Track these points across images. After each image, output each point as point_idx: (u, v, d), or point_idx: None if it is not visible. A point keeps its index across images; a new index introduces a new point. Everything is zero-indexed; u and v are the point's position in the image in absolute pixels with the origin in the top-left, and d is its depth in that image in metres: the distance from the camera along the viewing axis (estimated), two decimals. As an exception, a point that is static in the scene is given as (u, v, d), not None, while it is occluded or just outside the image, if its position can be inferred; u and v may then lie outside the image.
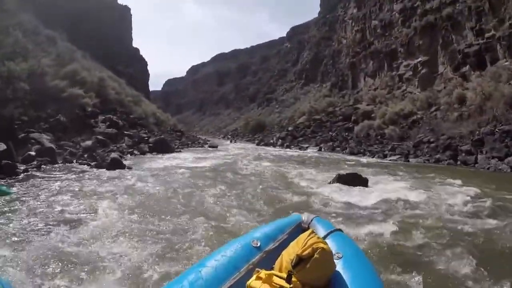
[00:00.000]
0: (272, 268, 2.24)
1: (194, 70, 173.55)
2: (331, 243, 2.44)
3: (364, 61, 46.94)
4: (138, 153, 16.70)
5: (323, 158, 20.62)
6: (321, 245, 2.10)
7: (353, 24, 53.00)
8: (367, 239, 5.19)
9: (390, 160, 19.67)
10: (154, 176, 11.21)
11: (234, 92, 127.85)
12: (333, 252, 2.29)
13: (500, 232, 5.64)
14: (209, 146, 29.41)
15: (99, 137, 15.59)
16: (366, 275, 2.29)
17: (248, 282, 2.07)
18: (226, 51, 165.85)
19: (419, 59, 35.51)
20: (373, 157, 21.60)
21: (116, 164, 12.04)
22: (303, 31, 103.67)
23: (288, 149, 30.42)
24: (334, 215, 6.58)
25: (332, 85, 55.41)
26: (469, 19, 28.65)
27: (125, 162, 13.00)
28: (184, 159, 15.61)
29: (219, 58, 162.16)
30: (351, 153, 23.62)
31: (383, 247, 4.88)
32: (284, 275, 2.06)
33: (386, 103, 34.50)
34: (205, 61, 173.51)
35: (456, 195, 8.62)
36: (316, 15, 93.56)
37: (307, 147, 29.59)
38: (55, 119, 16.82)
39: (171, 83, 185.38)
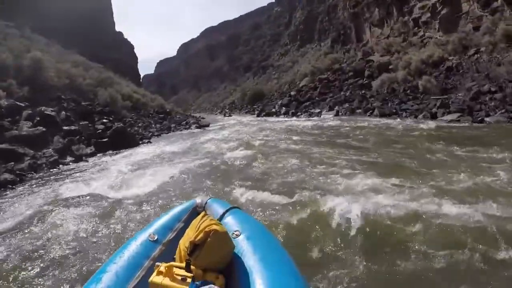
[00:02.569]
0: (173, 259, 2.11)
1: (184, 47, 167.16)
2: (228, 223, 2.38)
3: (368, 9, 40.30)
4: (69, 159, 10.78)
5: (351, 128, 14.67)
6: (214, 227, 1.99)
7: (350, -29, 46.09)
8: None
9: (448, 120, 13.65)
10: None
11: (228, 64, 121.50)
12: (232, 230, 2.24)
13: None
14: (197, 127, 23.26)
15: (3, 146, 9.56)
16: (267, 248, 2.15)
17: (150, 279, 1.91)
18: (215, 24, 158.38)
19: (437, -3, 29.29)
20: (415, 117, 15.72)
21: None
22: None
23: (296, 118, 24.48)
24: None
25: (333, 40, 48.85)
26: None
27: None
28: (119, 173, 8.52)
29: (208, 32, 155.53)
30: (382, 115, 17.61)
31: None
32: (183, 264, 1.94)
33: (404, 52, 28.27)
34: (195, 37, 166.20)
35: None
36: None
37: (319, 113, 23.52)
38: None
39: (163, 64, 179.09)
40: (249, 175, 7.03)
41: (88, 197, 6.12)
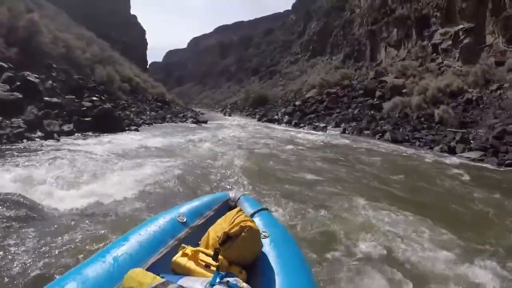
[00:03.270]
0: (198, 245, 2.16)
1: (195, 42, 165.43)
2: (258, 222, 2.39)
3: (386, 29, 38.84)
4: (38, 135, 9.10)
5: (364, 150, 13.10)
6: (249, 223, 2.04)
7: (370, -12, 44.59)
8: None
9: (471, 159, 12.00)
10: None
11: (236, 64, 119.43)
12: (261, 230, 2.24)
13: None
14: (194, 122, 21.61)
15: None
16: (291, 254, 2.23)
17: (173, 258, 1.97)
18: (229, 23, 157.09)
19: (461, 26, 27.75)
20: (430, 148, 14.08)
21: None
22: (311, 2, 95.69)
23: (299, 128, 22.96)
24: None
25: (345, 55, 47.30)
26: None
27: None
28: (79, 164, 6.85)
29: (222, 29, 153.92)
30: (394, 141, 15.99)
31: None
32: (211, 252, 1.96)
33: (420, 77, 26.78)
34: (207, 32, 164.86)
35: None
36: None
37: (324, 127, 21.92)
38: None
39: (172, 55, 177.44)
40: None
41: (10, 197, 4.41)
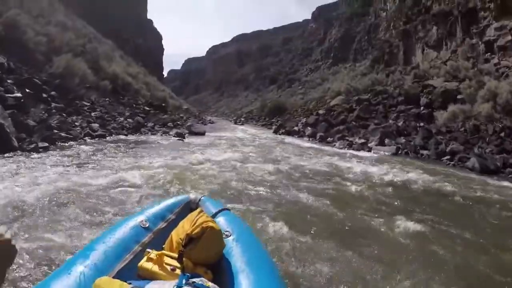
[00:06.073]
0: (162, 249, 2.09)
1: (214, 50, 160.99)
2: (220, 222, 2.38)
3: (423, 27, 32.70)
4: None
5: (475, 198, 7.10)
6: (210, 224, 2.02)
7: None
8: None
9: None
10: None
11: (255, 73, 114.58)
12: (223, 230, 2.22)
13: None
14: (178, 135, 15.48)
15: None
16: (255, 251, 2.20)
17: (139, 264, 1.92)
18: (248, 31, 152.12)
19: (523, 18, 21.72)
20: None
21: None
22: (331, 9, 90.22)
23: (328, 146, 16.92)
24: None
25: (374, 60, 41.12)
26: None
27: None
28: None
29: (241, 38, 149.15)
30: (484, 171, 9.93)
31: None
32: (175, 255, 1.92)
33: (477, 80, 20.58)
34: (226, 41, 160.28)
35: None
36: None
37: (364, 144, 15.74)
38: None
39: (190, 63, 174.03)
40: None
41: None
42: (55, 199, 5.03)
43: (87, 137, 11.24)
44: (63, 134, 10.26)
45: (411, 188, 7.57)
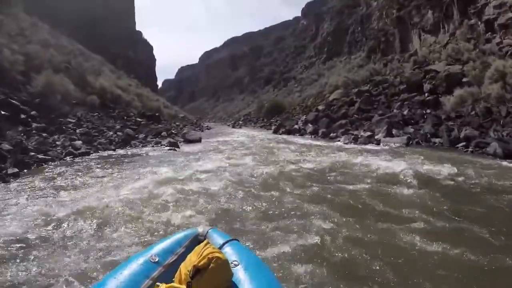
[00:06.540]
0: (172, 281, 2.02)
1: (207, 56, 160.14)
2: (227, 252, 2.32)
3: (417, 12, 31.71)
4: None
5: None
6: (216, 254, 1.98)
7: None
8: None
9: None
10: None
11: (249, 75, 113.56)
12: (230, 260, 2.16)
13: None
14: (170, 145, 14.29)
15: None
16: (265, 279, 2.14)
17: None
18: (239, 35, 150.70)
19: (522, -7, 20.71)
20: None
21: None
22: (320, 4, 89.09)
23: (332, 141, 16.01)
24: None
25: (370, 50, 40.11)
26: None
27: None
28: None
29: (232, 42, 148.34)
30: (507, 156, 8.88)
31: None
32: (184, 287, 1.89)
33: (481, 61, 19.56)
34: (218, 46, 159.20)
35: None
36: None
37: (370, 137, 14.75)
38: None
39: (184, 71, 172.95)
40: None
41: None
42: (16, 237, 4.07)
43: (68, 157, 10.23)
44: (40, 156, 9.25)
45: (439, 183, 6.59)
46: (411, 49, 32.18)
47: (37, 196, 6.02)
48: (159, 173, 8.16)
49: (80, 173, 8.14)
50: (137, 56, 67.52)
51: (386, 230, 4.20)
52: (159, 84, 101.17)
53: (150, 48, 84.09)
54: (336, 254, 3.58)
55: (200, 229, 2.69)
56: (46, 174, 8.00)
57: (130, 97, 23.74)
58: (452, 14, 27.37)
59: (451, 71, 19.63)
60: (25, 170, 8.10)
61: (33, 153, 9.24)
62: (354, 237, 4.02)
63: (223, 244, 2.46)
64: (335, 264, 3.40)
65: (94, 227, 4.50)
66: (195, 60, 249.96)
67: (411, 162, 8.59)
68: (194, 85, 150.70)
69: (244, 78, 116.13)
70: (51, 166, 8.96)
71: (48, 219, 4.76)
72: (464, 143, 11.35)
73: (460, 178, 6.70)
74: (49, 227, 4.46)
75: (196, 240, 2.56)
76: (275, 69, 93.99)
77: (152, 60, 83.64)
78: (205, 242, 2.16)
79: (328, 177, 7.51)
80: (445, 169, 7.40)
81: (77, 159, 10.32)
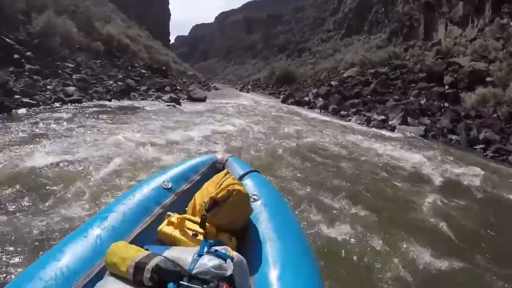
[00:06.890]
0: (184, 211, 1.93)
1: (223, 16, 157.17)
2: (247, 185, 2.16)
3: (448, 2, 30.38)
4: None
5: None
6: (237, 187, 1.81)
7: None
8: None
9: None
10: None
11: (263, 41, 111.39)
12: (250, 194, 2.00)
13: None
14: (171, 101, 13.74)
15: None
16: (284, 218, 1.98)
17: (159, 228, 1.74)
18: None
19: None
20: None
21: None
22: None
23: (343, 120, 15.39)
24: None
25: (392, 32, 38.82)
26: None
27: None
28: None
29: (250, 6, 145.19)
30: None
31: None
32: (198, 219, 1.74)
33: (508, 62, 18.68)
34: (235, 8, 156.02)
35: None
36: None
37: (384, 121, 14.15)
38: None
39: (199, 28, 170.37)
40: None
41: None
42: None
43: (57, 103, 9.69)
44: (25, 100, 8.74)
45: (465, 190, 6.06)
46: (435, 38, 31.03)
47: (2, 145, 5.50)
48: (139, 131, 7.56)
49: (60, 122, 7.60)
50: (152, 9, 66.07)
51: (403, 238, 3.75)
52: (172, 40, 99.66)
53: (165, 1, 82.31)
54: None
55: (218, 156, 2.52)
56: (23, 120, 7.44)
57: (137, 48, 22.94)
58: (483, 10, 26.17)
59: (476, 67, 18.77)
60: (2, 114, 7.54)
61: (18, 96, 8.73)
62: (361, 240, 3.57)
63: (243, 175, 2.30)
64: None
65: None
66: (210, 19, 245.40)
67: (434, 159, 8.04)
68: (207, 44, 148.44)
69: (258, 44, 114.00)
70: (33, 112, 8.42)
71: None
72: (482, 146, 10.79)
73: (488, 189, 6.15)
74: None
75: (214, 167, 2.42)
76: (291, 38, 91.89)
77: (167, 14, 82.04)
78: (225, 171, 2.05)
79: (346, 161, 7.02)
80: (470, 174, 6.83)
81: (65, 106, 9.82)
